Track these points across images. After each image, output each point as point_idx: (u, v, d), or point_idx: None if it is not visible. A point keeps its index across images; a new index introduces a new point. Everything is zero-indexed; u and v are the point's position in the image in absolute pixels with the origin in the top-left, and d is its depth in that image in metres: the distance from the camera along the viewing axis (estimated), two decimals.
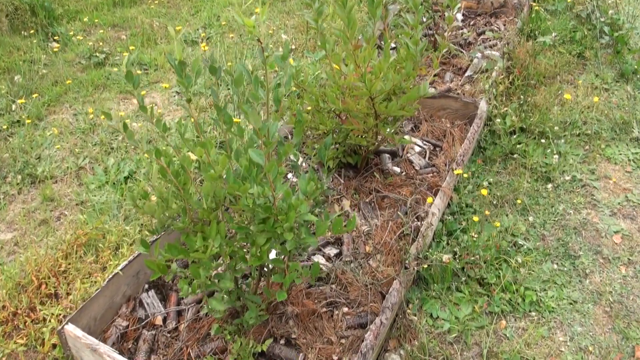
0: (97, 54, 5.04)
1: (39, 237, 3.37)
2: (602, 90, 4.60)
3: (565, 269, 3.17)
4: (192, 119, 2.34)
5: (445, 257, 2.88)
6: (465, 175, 3.58)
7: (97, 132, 4.22)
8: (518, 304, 2.97)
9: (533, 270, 3.13)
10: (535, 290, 3.03)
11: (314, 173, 2.35)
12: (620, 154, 4.02)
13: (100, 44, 5.29)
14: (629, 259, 3.23)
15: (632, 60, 4.76)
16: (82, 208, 3.56)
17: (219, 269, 2.47)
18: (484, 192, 3.35)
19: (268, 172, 2.09)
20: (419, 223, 3.17)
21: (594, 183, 3.75)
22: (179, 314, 2.82)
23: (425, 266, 2.94)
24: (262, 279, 2.66)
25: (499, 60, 4.46)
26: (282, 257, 2.42)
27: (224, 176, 2.25)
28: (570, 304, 2.99)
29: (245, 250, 2.30)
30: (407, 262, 2.88)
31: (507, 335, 2.83)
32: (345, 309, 2.80)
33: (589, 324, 2.89)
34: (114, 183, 3.72)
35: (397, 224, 3.22)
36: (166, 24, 5.53)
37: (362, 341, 2.56)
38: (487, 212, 3.32)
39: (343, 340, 2.65)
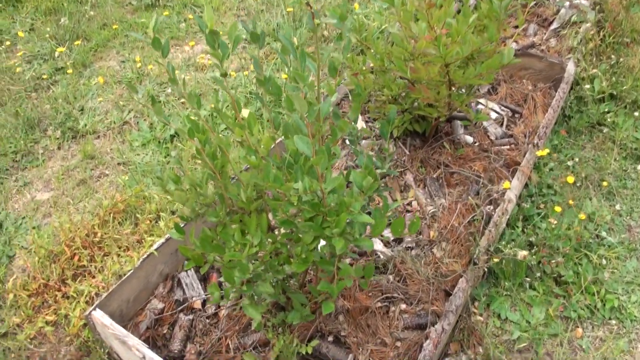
0: None
1: (76, 198, 3.17)
2: None
3: None
4: (229, 97, 2.00)
5: (521, 254, 2.50)
6: (546, 151, 3.13)
7: (144, 83, 3.94)
8: (597, 308, 2.59)
9: (616, 269, 2.73)
10: (617, 294, 2.63)
11: (371, 162, 2.00)
12: None
13: None
14: None
15: None
16: (123, 168, 3.33)
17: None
18: (570, 179, 2.90)
19: (316, 164, 1.75)
20: (491, 208, 2.79)
21: None
22: (221, 297, 2.58)
23: (497, 261, 2.58)
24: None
25: (589, 12, 3.86)
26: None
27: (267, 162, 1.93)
28: None
29: (288, 246, 2.00)
30: (476, 257, 2.53)
31: (583, 346, 2.47)
32: (403, 306, 2.49)
33: None
34: (159, 141, 3.46)
35: (466, 206, 2.85)
36: None
37: (420, 349, 2.27)
38: (570, 202, 2.89)
39: (398, 343, 2.35)
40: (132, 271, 2.44)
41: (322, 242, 2.17)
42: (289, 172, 1.86)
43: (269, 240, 1.96)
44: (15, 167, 3.41)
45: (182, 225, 2.46)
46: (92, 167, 3.37)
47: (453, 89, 2.60)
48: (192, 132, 1.96)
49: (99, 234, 2.85)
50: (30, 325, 2.54)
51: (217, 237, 1.98)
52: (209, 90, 3.81)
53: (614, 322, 2.53)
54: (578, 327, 2.52)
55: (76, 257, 2.77)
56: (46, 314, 2.56)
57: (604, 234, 2.86)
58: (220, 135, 2.07)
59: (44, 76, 3.98)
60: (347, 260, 2.55)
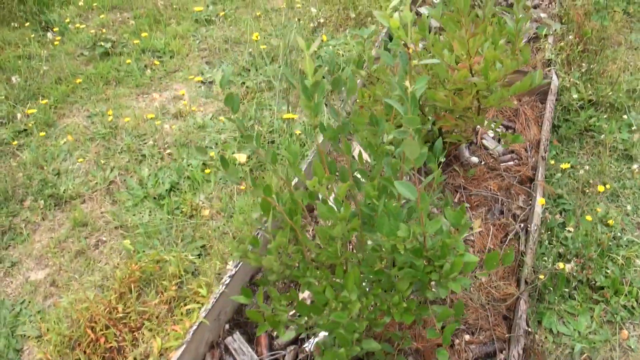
0: (102, 43, 4.42)
1: (77, 272, 2.90)
2: None
3: None
4: (320, 152, 1.89)
5: (569, 267, 2.54)
6: (551, 161, 3.22)
7: (120, 137, 3.70)
8: (634, 308, 2.67)
9: (639, 267, 2.83)
10: None
11: (451, 197, 1.96)
12: None
13: (103, 30, 4.66)
14: None
15: None
16: (122, 232, 3.09)
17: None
18: (601, 188, 2.99)
19: (422, 210, 1.69)
20: (521, 225, 2.82)
21: None
22: None
23: (543, 277, 2.60)
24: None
25: (553, 24, 4.05)
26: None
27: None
28: None
29: (383, 302, 1.90)
30: (527, 276, 2.53)
31: (632, 347, 2.53)
32: (467, 337, 2.44)
33: None
34: (154, 198, 3.24)
35: (496, 226, 2.86)
36: (172, 2, 4.93)
37: None
38: (598, 210, 2.98)
39: None
40: (184, 346, 2.25)
41: None
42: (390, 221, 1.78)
43: (364, 296, 1.86)
44: None
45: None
46: (86, 235, 3.10)
47: (481, 114, 2.62)
48: (269, 189, 1.83)
49: (119, 309, 2.61)
50: None
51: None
52: (195, 137, 3.63)
53: None
54: (623, 329, 2.59)
55: (102, 339, 2.51)
56: None
57: (619, 233, 2.97)
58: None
59: (7, 142, 3.65)
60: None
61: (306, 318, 2.03)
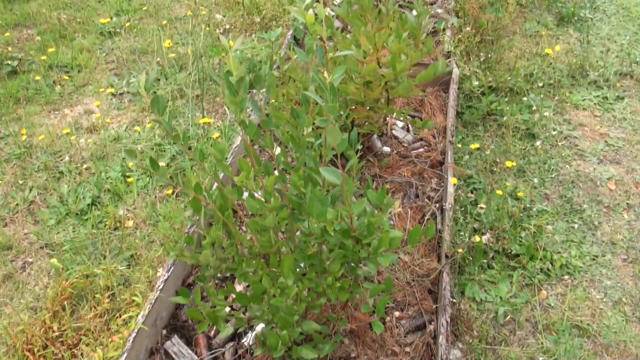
0: (9, 61, 4.27)
1: (7, 297, 2.83)
2: (549, 38, 4.63)
3: (577, 225, 3.17)
4: (247, 147, 1.97)
5: (485, 238, 2.75)
6: (458, 145, 3.45)
7: (36, 156, 3.61)
8: (549, 270, 2.93)
9: (550, 233, 3.10)
10: (559, 253, 3.00)
11: (371, 181, 2.09)
12: (584, 100, 4.07)
13: (9, 48, 4.50)
14: (627, 204, 3.29)
15: (569, 3, 4.83)
16: (48, 251, 3.03)
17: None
18: (509, 163, 3.24)
19: (347, 192, 1.81)
20: (436, 205, 3.01)
21: (573, 133, 3.77)
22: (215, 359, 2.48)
23: (461, 250, 2.80)
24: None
25: (450, 18, 4.32)
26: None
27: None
28: (593, 259, 2.99)
29: (318, 285, 2.01)
30: (446, 251, 2.72)
31: (552, 304, 2.78)
32: (397, 313, 2.60)
33: (615, 276, 2.91)
34: (76, 214, 3.20)
35: (413, 209, 3.04)
36: (75, 16, 4.84)
37: (430, 344, 2.40)
38: (507, 184, 3.23)
39: (408, 349, 2.46)
40: (125, 354, 2.26)
41: None
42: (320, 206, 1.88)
43: (300, 281, 1.96)
44: None
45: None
46: (11, 259, 3.02)
47: (390, 104, 2.78)
48: (199, 187, 1.89)
49: (55, 328, 2.58)
50: None
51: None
52: (111, 150, 3.61)
53: (566, 277, 2.88)
54: (541, 290, 2.83)
55: None
56: None
57: (528, 205, 3.23)
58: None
59: None
60: None
61: (245, 310, 2.11)
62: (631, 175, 3.48)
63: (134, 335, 2.31)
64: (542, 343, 2.60)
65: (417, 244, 2.45)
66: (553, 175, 3.46)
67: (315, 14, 1.68)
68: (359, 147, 2.66)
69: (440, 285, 2.60)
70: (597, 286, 2.86)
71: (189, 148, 3.53)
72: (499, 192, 3.11)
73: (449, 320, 2.45)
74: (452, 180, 2.98)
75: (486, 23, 4.14)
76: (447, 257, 2.72)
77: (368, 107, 2.75)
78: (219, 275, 2.05)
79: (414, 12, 2.89)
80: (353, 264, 1.97)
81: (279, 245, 1.99)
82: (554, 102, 4.00)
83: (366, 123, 2.91)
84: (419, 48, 2.57)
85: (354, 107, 2.75)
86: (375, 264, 1.94)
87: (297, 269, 2.02)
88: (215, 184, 2.09)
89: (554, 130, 3.75)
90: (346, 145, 1.76)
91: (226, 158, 3.17)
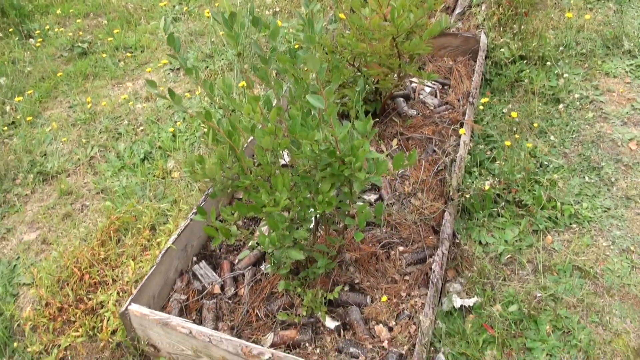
0: (80, 44, 4.86)
1: (65, 231, 3.28)
2: (586, 10, 4.68)
3: (593, 180, 3.26)
4: (245, 74, 2.28)
5: (487, 184, 2.93)
6: (480, 107, 3.62)
7: (99, 120, 4.11)
8: (558, 218, 3.05)
9: (564, 187, 3.21)
10: (571, 204, 3.10)
11: (363, 115, 2.34)
12: (617, 68, 4.11)
13: (80, 33, 5.10)
14: None
15: None
16: (103, 196, 3.48)
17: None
18: (514, 114, 3.40)
19: (329, 115, 2.08)
20: (451, 157, 3.21)
21: (600, 98, 3.84)
22: (235, 279, 2.81)
23: (468, 196, 2.98)
24: (318, 230, 2.66)
25: None
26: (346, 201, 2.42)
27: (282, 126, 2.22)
28: (605, 211, 3.08)
29: (309, 200, 2.29)
30: (450, 194, 2.92)
31: (556, 248, 2.91)
32: (401, 248, 2.82)
33: (625, 227, 2.99)
34: (130, 167, 3.64)
35: (429, 161, 3.25)
36: (141, 4, 5.38)
37: (427, 274, 2.61)
38: (517, 136, 3.38)
39: (407, 277, 2.68)
40: (154, 267, 2.62)
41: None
42: (303, 127, 2.16)
43: (293, 196, 2.24)
44: None
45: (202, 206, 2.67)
46: (71, 202, 3.48)
47: (402, 60, 3.01)
48: (209, 114, 2.22)
49: (101, 253, 2.99)
50: (56, 347, 2.63)
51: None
52: (164, 115, 4.04)
53: (574, 225, 3.00)
54: (547, 235, 2.96)
55: (87, 276, 2.89)
56: (72, 330, 2.66)
57: (545, 162, 3.36)
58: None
59: (3, 129, 4.05)
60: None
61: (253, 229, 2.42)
62: None
63: (162, 252, 2.67)
64: (541, 281, 2.74)
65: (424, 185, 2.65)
66: (574, 136, 3.56)
67: None
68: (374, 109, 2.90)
69: (442, 223, 2.81)
70: (606, 235, 2.96)
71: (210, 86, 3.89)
72: (508, 143, 3.26)
73: (445, 252, 2.65)
74: (460, 131, 3.17)
75: None
76: (451, 199, 2.92)
77: (382, 64, 3.00)
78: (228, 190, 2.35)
79: None
80: (337, 184, 2.23)
81: (277, 166, 2.29)
82: (584, 70, 4.07)
83: (383, 79, 3.15)
84: (421, 5, 2.78)
85: (371, 64, 3.00)
86: (360, 183, 2.20)
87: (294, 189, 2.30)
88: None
89: (580, 94, 3.83)
90: (324, 71, 2.02)
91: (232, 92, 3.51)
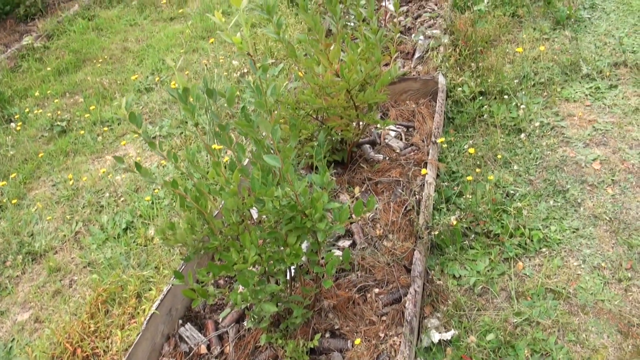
0: (58, 123, 5.05)
1: (56, 307, 3.37)
2: (543, 41, 4.89)
3: (559, 203, 3.38)
4: (202, 142, 2.43)
5: (453, 219, 3.05)
6: (444, 145, 3.77)
7: (81, 195, 4.24)
8: (527, 244, 3.16)
9: (531, 213, 3.33)
10: (539, 229, 3.22)
11: (325, 167, 2.47)
12: (576, 92, 4.28)
13: (59, 112, 5.30)
14: (612, 180, 3.47)
15: (563, 7, 5.08)
16: (90, 269, 3.58)
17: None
18: (472, 150, 3.54)
19: (286, 172, 2.21)
20: (418, 197, 3.33)
21: (561, 123, 4.00)
22: (221, 337, 2.89)
23: (437, 232, 3.10)
24: (294, 281, 2.76)
25: (442, 37, 4.69)
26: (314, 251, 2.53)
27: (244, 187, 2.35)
28: (573, 232, 3.19)
29: (278, 253, 2.40)
30: (419, 232, 3.03)
31: (528, 274, 3.00)
32: (376, 290, 2.92)
33: (595, 245, 3.10)
34: (114, 237, 3.75)
35: (397, 203, 3.37)
36: (116, 79, 5.59)
37: (403, 312, 2.70)
38: (477, 170, 3.52)
39: (384, 318, 2.77)
40: (140, 334, 2.71)
41: (304, 246, 2.58)
42: (263, 186, 2.29)
43: (261, 252, 2.36)
44: None
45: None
46: (60, 278, 3.58)
47: (358, 111, 3.18)
48: (176, 183, 2.35)
49: (91, 326, 3.08)
50: None
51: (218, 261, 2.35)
52: (144, 185, 4.18)
53: (544, 249, 3.11)
54: (518, 262, 3.07)
55: (79, 350, 2.97)
56: None
57: (512, 191, 3.48)
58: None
59: None
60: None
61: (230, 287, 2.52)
62: (618, 154, 3.65)
63: (147, 319, 2.76)
64: (515, 307, 2.84)
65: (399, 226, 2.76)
66: (538, 163, 3.70)
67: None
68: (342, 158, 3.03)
69: (413, 261, 2.91)
70: (576, 255, 3.07)
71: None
72: (469, 177, 3.39)
73: (418, 289, 2.75)
74: (423, 171, 3.31)
75: (472, 35, 4.47)
76: (420, 237, 3.03)
77: (340, 116, 3.16)
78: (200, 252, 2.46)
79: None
80: (303, 235, 2.35)
81: (245, 224, 2.41)
82: (543, 98, 4.24)
83: (343, 130, 3.31)
84: (370, 59, 2.96)
85: (327, 117, 3.17)
86: (323, 233, 2.32)
87: (263, 245, 2.42)
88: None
89: (540, 122, 3.99)
90: (278, 133, 2.17)
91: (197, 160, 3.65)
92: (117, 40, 6.91)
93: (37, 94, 5.78)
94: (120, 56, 6.42)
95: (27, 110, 5.50)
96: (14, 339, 3.26)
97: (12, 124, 5.26)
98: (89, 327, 3.06)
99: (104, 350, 2.94)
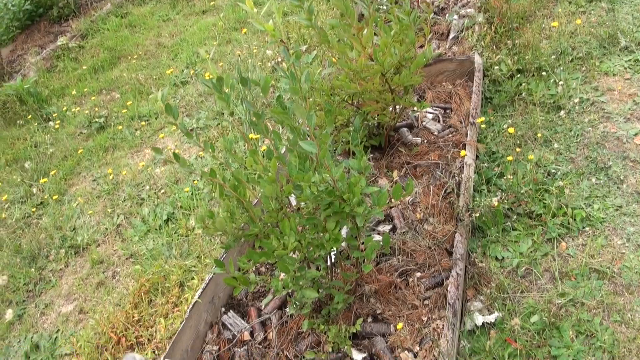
0: (96, 119, 5.15)
1: (100, 298, 3.44)
2: (579, 14, 4.76)
3: (601, 181, 3.29)
4: (239, 131, 2.44)
5: (494, 200, 3.00)
6: (483, 126, 3.71)
7: (122, 189, 4.32)
8: (570, 224, 3.08)
9: (573, 191, 3.25)
10: (582, 208, 3.14)
11: (361, 152, 2.45)
12: (616, 66, 4.16)
13: (96, 109, 5.40)
14: None
15: None
16: (133, 260, 3.64)
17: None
18: (511, 130, 3.48)
19: (322, 158, 2.20)
20: (457, 179, 3.29)
21: (600, 98, 3.88)
22: (264, 324, 2.91)
23: (478, 214, 3.05)
24: (334, 267, 2.76)
25: (476, 15, 4.60)
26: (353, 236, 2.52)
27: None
28: (617, 210, 3.11)
29: (317, 239, 2.39)
30: (460, 215, 2.99)
31: (571, 254, 2.94)
32: (418, 274, 2.90)
33: (639, 222, 3.01)
34: (155, 229, 3.81)
35: (437, 186, 3.33)
36: (151, 74, 5.66)
37: (446, 296, 2.67)
38: (518, 150, 3.45)
39: (426, 301, 2.75)
40: (184, 322, 2.75)
41: (343, 231, 2.57)
42: (301, 172, 2.29)
43: (301, 238, 2.36)
44: (32, 296, 3.66)
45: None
46: (103, 270, 3.66)
47: (394, 94, 3.14)
48: (214, 172, 2.36)
49: (135, 315, 3.14)
50: None
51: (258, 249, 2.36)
52: (184, 176, 4.22)
53: (587, 228, 3.03)
54: (561, 242, 3.00)
55: (123, 339, 3.03)
56: None
57: (553, 170, 3.41)
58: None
59: (28, 214, 4.29)
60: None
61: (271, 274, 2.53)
62: None
63: (190, 307, 2.80)
64: (560, 288, 2.78)
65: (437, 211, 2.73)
66: (578, 140, 3.61)
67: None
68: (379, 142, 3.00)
69: (454, 244, 2.88)
70: (620, 233, 2.99)
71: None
72: (510, 157, 3.33)
73: (460, 272, 2.72)
74: (461, 153, 3.25)
75: (507, 12, 4.37)
76: (461, 220, 2.99)
77: (376, 100, 3.13)
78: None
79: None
80: (342, 221, 2.34)
81: (284, 212, 2.41)
82: (582, 73, 4.13)
83: (379, 114, 3.28)
84: (404, 41, 2.91)
85: (363, 102, 3.14)
86: (362, 218, 2.30)
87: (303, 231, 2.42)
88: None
89: (580, 98, 3.89)
90: (314, 118, 2.15)
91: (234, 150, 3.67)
92: (150, 36, 6.99)
93: (74, 92, 5.90)
94: (154, 51, 6.49)
95: (64, 108, 5.62)
96: (58, 329, 3.35)
97: (51, 123, 5.38)
98: (133, 317, 3.12)
99: (148, 339, 3.00)
